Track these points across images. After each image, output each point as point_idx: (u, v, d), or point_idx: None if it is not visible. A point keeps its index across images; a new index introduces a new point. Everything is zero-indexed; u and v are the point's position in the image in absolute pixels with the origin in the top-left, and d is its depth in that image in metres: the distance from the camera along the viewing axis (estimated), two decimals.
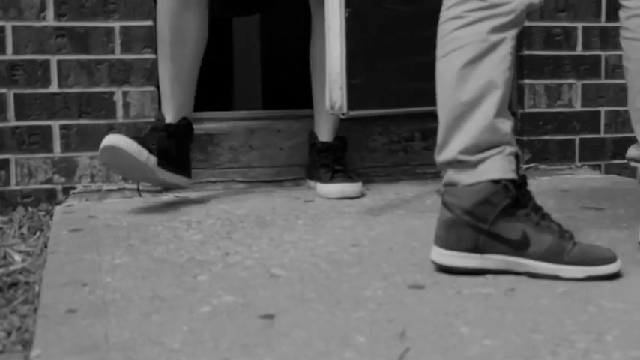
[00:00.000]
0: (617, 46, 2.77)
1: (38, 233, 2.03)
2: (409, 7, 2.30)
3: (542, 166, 2.76)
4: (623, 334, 1.22)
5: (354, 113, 2.12)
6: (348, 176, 2.34)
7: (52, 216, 2.15)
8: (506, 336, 1.21)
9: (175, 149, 2.19)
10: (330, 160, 2.38)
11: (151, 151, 2.09)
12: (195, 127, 2.48)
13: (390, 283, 1.48)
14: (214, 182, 2.47)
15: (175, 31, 2.19)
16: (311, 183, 2.44)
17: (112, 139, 2.02)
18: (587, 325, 1.26)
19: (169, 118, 2.23)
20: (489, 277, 1.51)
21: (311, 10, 2.41)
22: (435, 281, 1.49)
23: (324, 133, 2.42)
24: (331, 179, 2.31)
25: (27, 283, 1.62)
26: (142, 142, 2.09)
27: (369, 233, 1.87)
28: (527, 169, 2.73)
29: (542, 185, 2.49)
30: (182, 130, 2.24)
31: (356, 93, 2.12)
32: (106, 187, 2.23)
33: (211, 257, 1.67)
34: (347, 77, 2.08)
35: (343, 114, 2.10)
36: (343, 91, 2.07)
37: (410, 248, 1.73)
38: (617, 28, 2.74)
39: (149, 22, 2.34)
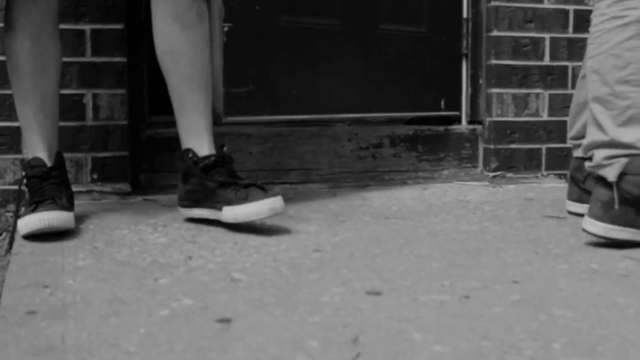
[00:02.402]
0: (584, 56, 2.81)
1: (4, 234, 2.04)
2: (313, 20, 2.50)
3: (509, 174, 2.80)
4: (571, 342, 1.25)
5: (231, 119, 2.37)
6: (263, 189, 1.94)
7: (18, 217, 2.15)
8: (456, 343, 1.24)
9: (65, 192, 1.99)
10: (228, 176, 1.97)
11: (67, 209, 1.91)
12: (165, 130, 2.50)
13: (348, 289, 1.50)
14: None
15: (36, 59, 1.98)
16: (206, 212, 1.98)
17: (47, 223, 1.83)
18: (537, 332, 1.29)
19: (46, 158, 2.00)
20: (446, 284, 1.54)
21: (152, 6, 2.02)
22: (392, 288, 1.51)
23: (206, 145, 2.02)
24: (247, 197, 1.88)
25: None
26: (54, 203, 1.88)
27: (333, 239, 1.89)
28: (494, 177, 2.76)
29: (508, 193, 2.53)
30: (63, 167, 2.06)
31: (234, 101, 2.35)
32: (74, 188, 2.23)
33: (174, 261, 1.68)
34: (225, 86, 2.32)
35: (221, 119, 2.32)
36: (220, 99, 2.33)
37: (371, 255, 1.75)
38: (584, 39, 2.79)
39: (120, 26, 2.35)
